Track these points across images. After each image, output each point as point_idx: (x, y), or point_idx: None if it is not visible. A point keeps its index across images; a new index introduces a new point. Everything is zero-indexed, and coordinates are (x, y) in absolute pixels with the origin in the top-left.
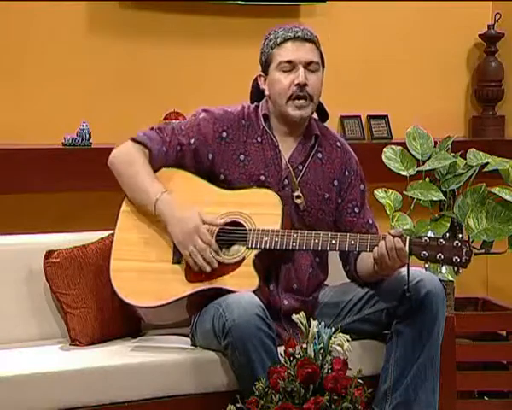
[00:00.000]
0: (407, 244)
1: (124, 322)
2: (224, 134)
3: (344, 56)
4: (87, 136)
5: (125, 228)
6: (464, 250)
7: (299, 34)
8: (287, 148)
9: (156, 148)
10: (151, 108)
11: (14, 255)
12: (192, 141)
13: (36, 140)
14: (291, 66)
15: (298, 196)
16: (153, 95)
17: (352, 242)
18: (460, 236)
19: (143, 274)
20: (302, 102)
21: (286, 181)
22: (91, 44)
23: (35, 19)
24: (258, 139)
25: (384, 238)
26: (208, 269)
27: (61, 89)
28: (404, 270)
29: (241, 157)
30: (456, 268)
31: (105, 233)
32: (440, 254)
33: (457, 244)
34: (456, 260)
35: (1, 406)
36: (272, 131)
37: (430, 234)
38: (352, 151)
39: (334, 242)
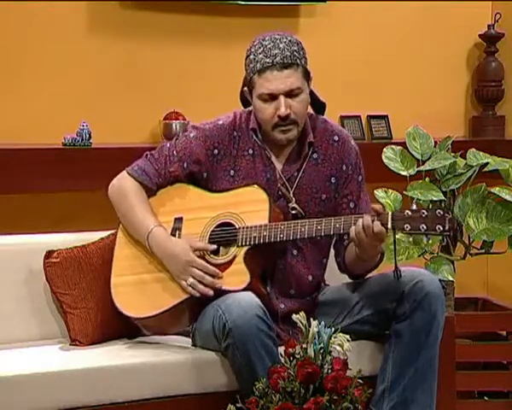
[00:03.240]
0: (389, 219)
1: (124, 322)
2: (216, 151)
3: (344, 56)
4: (87, 136)
5: (123, 243)
6: (447, 218)
7: (277, 60)
8: (281, 157)
9: (151, 182)
10: (151, 108)
11: (14, 255)
12: (185, 166)
13: (36, 140)
14: (271, 96)
15: (293, 208)
16: (153, 95)
17: (337, 225)
18: (442, 204)
19: (142, 286)
20: (286, 127)
21: (280, 192)
22: (91, 44)
23: (35, 19)
24: (250, 151)
25: (362, 217)
26: (211, 293)
27: (61, 89)
28: (402, 269)
29: (231, 172)
30: (441, 238)
31: (105, 233)
32: (423, 225)
33: (439, 213)
34: (439, 228)
35: (1, 406)
36: (264, 142)
37: (413, 207)
38: (352, 142)
39: (319, 227)
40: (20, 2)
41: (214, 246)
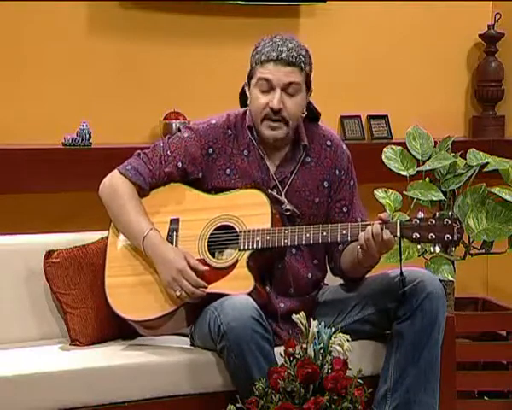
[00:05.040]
0: (398, 228)
1: (124, 322)
2: (211, 150)
3: (344, 56)
4: (87, 136)
5: (116, 244)
6: (455, 228)
7: (283, 56)
8: (274, 159)
9: (145, 182)
10: (151, 108)
11: (13, 255)
12: (180, 165)
13: (36, 140)
14: (268, 85)
15: (287, 210)
16: (153, 95)
17: (344, 232)
18: (450, 213)
19: (138, 288)
20: (275, 123)
21: (272, 194)
22: (91, 44)
23: (35, 19)
24: (245, 153)
25: (372, 224)
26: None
27: (61, 89)
28: (402, 270)
29: (227, 171)
30: (448, 247)
31: (105, 233)
32: (432, 234)
33: (448, 222)
34: (448, 238)
35: (1, 406)
36: (258, 142)
37: (420, 215)
38: (343, 147)
39: (325, 234)
40: (20, 2)
41: (206, 267)
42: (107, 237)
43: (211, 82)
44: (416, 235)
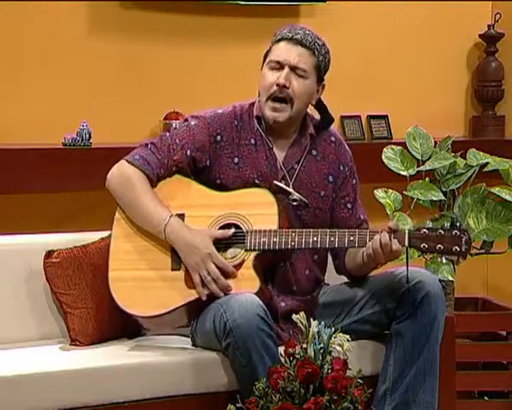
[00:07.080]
0: (406, 238)
1: (124, 322)
2: (219, 138)
3: (344, 56)
4: (87, 136)
5: (120, 237)
6: (463, 239)
7: (297, 37)
8: (281, 148)
9: (153, 172)
10: (151, 108)
11: (13, 255)
12: (188, 153)
13: (36, 140)
14: (279, 66)
15: (294, 200)
16: (153, 95)
17: (351, 238)
18: (458, 224)
19: (143, 283)
20: (278, 105)
21: (281, 184)
22: (91, 44)
23: (35, 19)
24: (252, 142)
25: (380, 233)
26: (222, 295)
27: (61, 89)
28: (402, 269)
29: (235, 160)
30: (456, 258)
31: (105, 233)
32: (440, 245)
33: (456, 234)
34: (456, 249)
35: (1, 406)
36: (266, 132)
37: (429, 225)
38: (346, 145)
39: (332, 239)
40: (20, 2)
41: (232, 230)
42: (107, 237)
43: (211, 82)
44: (424, 245)
